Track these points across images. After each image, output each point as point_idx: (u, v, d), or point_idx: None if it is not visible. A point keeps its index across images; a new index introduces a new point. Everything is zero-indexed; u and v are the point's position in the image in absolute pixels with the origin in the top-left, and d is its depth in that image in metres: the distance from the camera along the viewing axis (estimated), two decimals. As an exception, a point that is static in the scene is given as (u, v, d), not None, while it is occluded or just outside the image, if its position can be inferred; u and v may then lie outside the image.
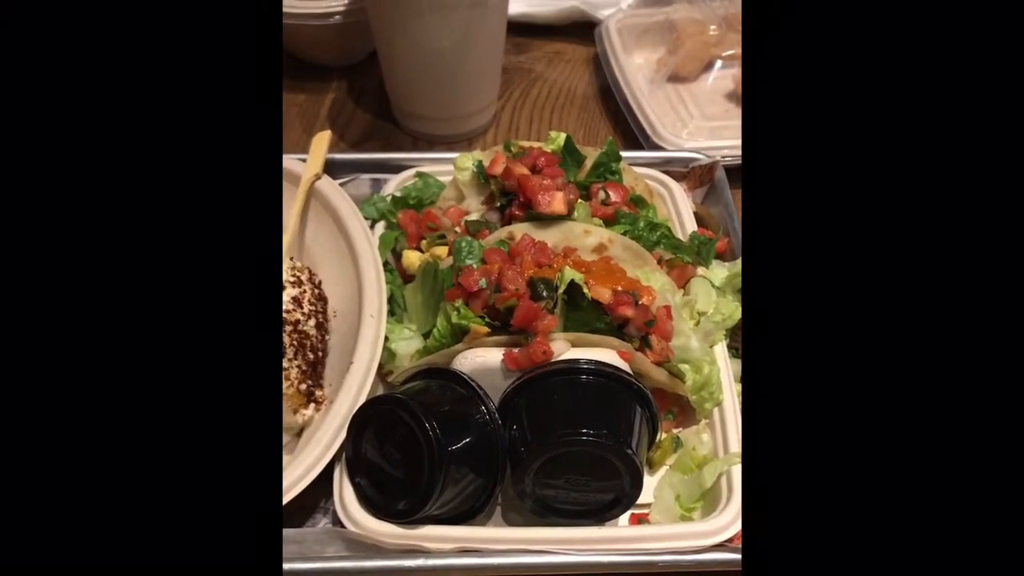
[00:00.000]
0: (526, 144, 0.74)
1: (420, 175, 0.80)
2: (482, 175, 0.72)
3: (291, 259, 0.69)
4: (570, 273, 0.59)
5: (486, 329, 0.60)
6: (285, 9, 0.93)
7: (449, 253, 0.68)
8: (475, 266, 0.62)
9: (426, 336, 0.67)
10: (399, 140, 0.95)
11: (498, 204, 0.68)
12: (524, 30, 1.09)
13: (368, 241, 0.71)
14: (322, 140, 0.80)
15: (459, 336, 0.62)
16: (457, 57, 0.85)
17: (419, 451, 0.56)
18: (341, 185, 0.82)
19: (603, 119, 0.98)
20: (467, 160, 0.74)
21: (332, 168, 0.82)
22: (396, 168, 0.84)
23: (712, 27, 0.99)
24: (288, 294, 0.65)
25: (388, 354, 0.66)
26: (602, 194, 0.70)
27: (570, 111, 1.00)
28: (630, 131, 0.92)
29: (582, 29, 1.09)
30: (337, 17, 0.94)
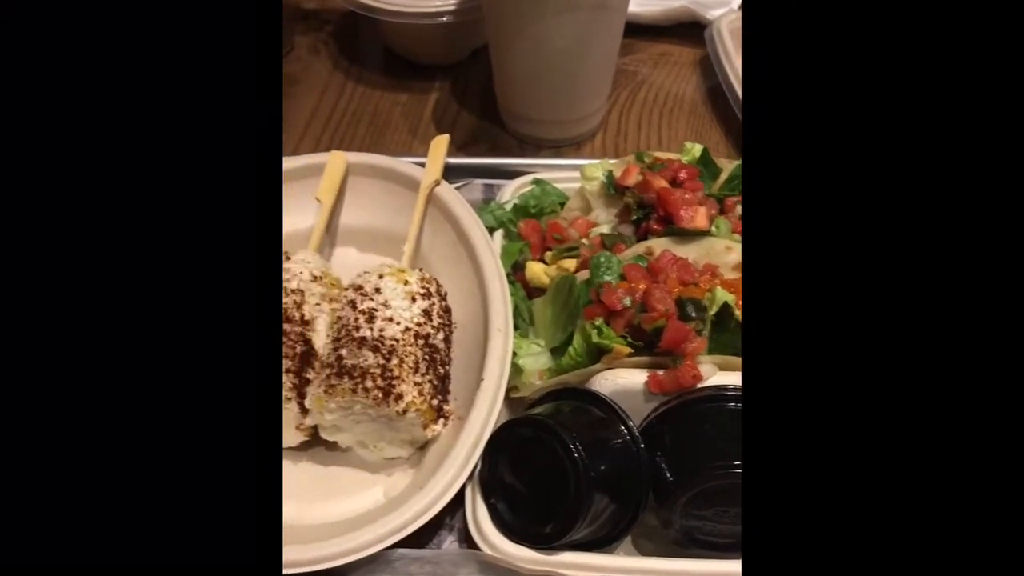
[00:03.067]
0: (660, 155, 0.71)
1: (538, 182, 0.78)
2: (612, 186, 0.69)
3: (420, 269, 0.68)
4: (722, 295, 0.56)
5: (628, 349, 0.58)
6: (392, 7, 0.92)
7: (578, 267, 0.66)
8: (614, 282, 0.60)
9: (554, 352, 0.65)
10: (505, 142, 0.92)
11: (634, 217, 0.66)
12: (629, 30, 1.05)
13: (491, 252, 0.69)
14: (441, 144, 0.78)
15: (597, 356, 0.60)
16: (574, 61, 0.82)
17: (563, 475, 0.54)
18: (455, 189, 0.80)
19: (714, 124, 0.95)
20: (596, 170, 0.71)
21: (445, 171, 0.80)
22: (510, 174, 0.83)
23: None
24: (418, 306, 0.63)
25: (515, 369, 0.64)
26: (739, 208, 0.67)
27: (679, 115, 0.96)
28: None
29: (688, 30, 1.05)
30: (447, 17, 0.92)
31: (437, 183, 0.75)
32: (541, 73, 0.84)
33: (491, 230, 0.74)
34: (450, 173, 0.81)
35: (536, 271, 0.69)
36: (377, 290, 0.63)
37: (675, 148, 0.91)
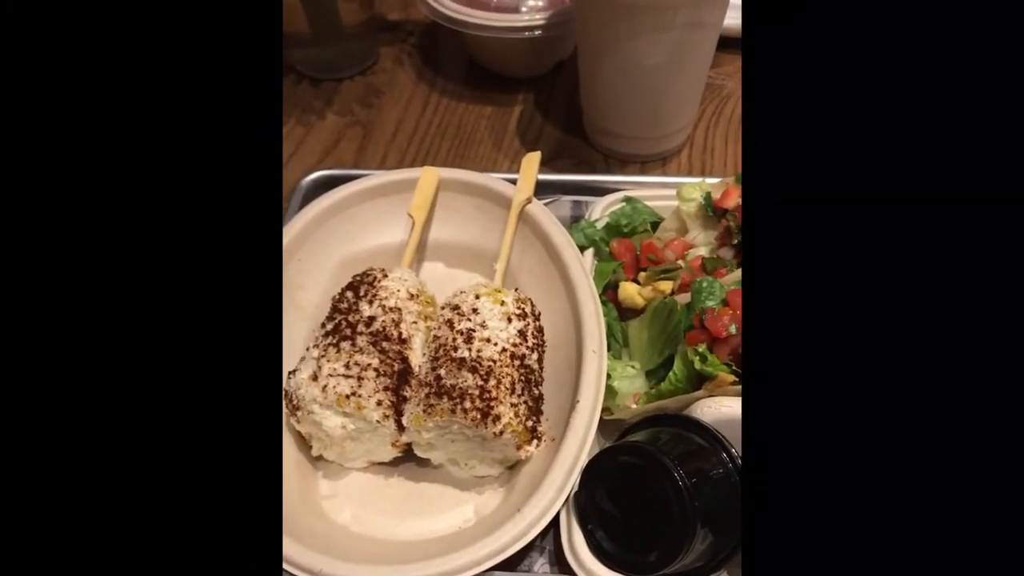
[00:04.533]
0: None
1: (628, 200, 0.77)
2: (710, 207, 0.68)
3: (515, 289, 0.67)
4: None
5: (732, 378, 0.57)
6: (480, 21, 0.92)
7: (675, 289, 0.65)
8: (717, 308, 0.59)
9: (649, 375, 0.64)
10: (589, 156, 0.92)
11: (735, 241, 0.64)
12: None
13: (584, 271, 0.69)
14: (532, 162, 0.78)
15: (698, 382, 0.59)
16: (665, 79, 0.81)
17: (666, 504, 0.53)
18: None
19: (805, 141, 0.93)
20: (694, 191, 0.70)
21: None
22: (598, 191, 0.82)
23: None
24: (514, 327, 0.63)
25: (609, 392, 0.63)
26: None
27: (768, 131, 0.94)
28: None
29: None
30: (534, 31, 0.92)
31: (529, 201, 0.75)
32: (630, 90, 0.83)
33: (582, 248, 0.74)
34: (537, 189, 0.81)
35: (630, 292, 0.68)
36: (474, 310, 0.63)
37: (764, 165, 0.90)
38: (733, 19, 1.02)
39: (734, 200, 0.66)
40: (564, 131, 0.95)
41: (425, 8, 0.96)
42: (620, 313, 0.69)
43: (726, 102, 0.99)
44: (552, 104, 0.99)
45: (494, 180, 0.78)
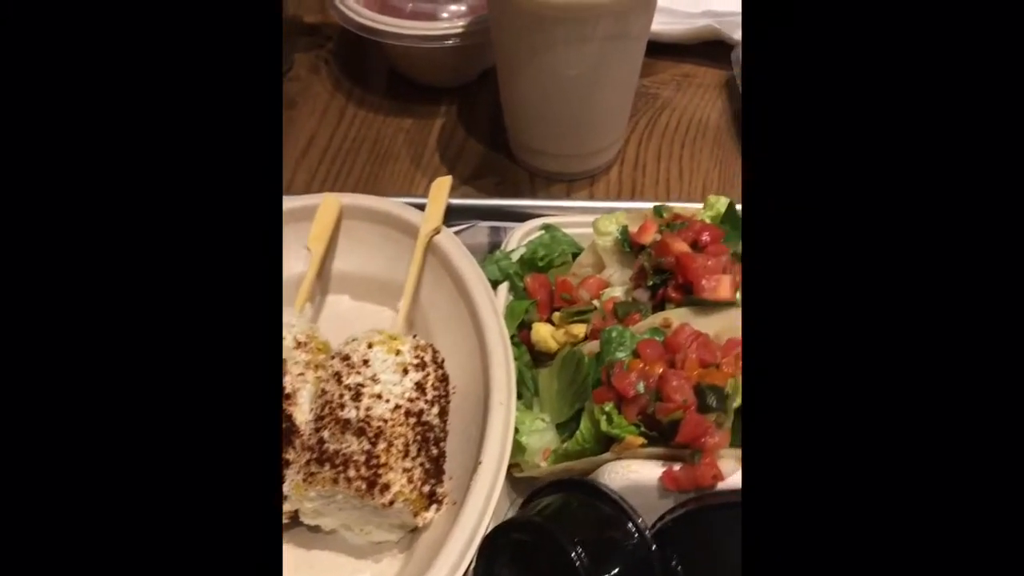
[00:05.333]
0: (678, 209, 0.64)
1: (547, 228, 0.72)
2: (627, 243, 0.63)
3: (414, 336, 0.62)
4: (748, 384, 0.50)
5: (641, 440, 0.52)
6: (395, 29, 0.86)
7: (588, 333, 0.60)
8: (627, 360, 0.54)
9: (560, 427, 0.59)
10: (514, 175, 0.86)
11: (650, 283, 0.59)
12: (650, 49, 0.98)
13: (494, 311, 0.63)
14: (442, 187, 0.72)
15: (607, 443, 0.54)
16: (588, 94, 0.76)
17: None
18: (456, 233, 0.75)
19: (738, 156, 0.88)
20: (609, 223, 0.65)
21: (447, 214, 0.75)
22: (518, 215, 0.76)
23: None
24: (411, 379, 0.58)
25: (517, 447, 0.58)
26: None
27: (702, 145, 0.90)
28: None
29: (713, 49, 0.98)
30: (453, 40, 0.86)
31: (437, 231, 0.69)
32: (550, 106, 0.77)
33: (495, 283, 0.68)
34: (453, 214, 0.75)
35: (543, 335, 0.63)
36: (365, 362, 0.57)
37: (697, 182, 0.85)
38: (666, 24, 0.98)
39: (651, 235, 0.61)
40: (488, 146, 0.89)
41: (337, 15, 0.89)
42: (533, 356, 0.64)
43: (660, 113, 0.93)
44: (476, 116, 0.93)
45: (402, 207, 0.72)
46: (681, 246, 0.58)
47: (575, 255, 0.70)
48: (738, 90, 0.90)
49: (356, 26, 0.87)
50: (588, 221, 0.71)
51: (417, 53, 0.89)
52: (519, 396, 0.60)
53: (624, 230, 0.64)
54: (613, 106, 0.80)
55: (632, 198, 0.84)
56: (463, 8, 0.89)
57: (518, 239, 0.72)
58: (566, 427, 0.59)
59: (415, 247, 0.69)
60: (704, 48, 0.99)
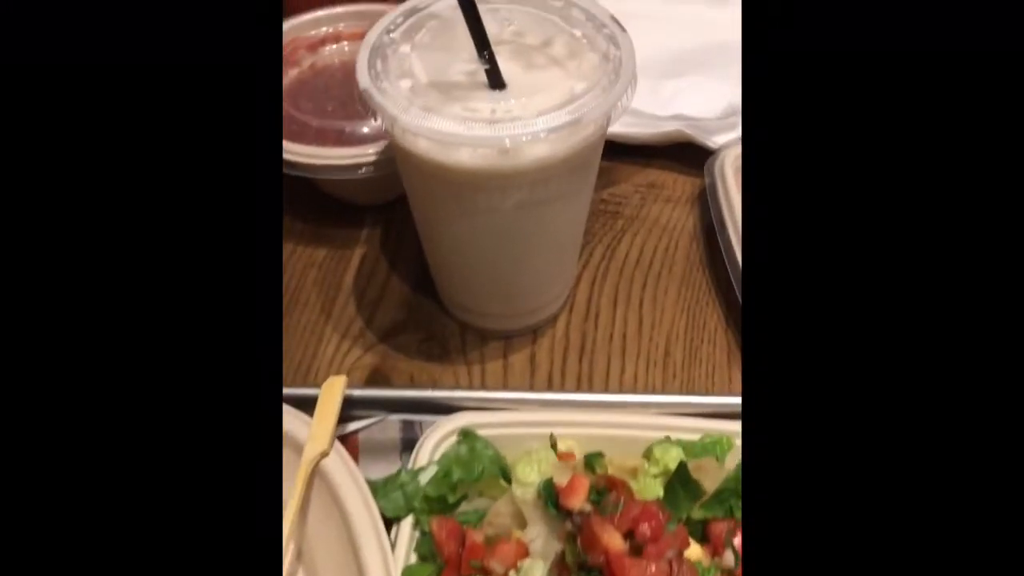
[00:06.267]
0: (616, 473, 0.51)
1: (466, 436, 0.58)
2: (552, 502, 0.50)
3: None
4: None
5: None
6: (304, 160, 0.71)
7: (500, 630, 0.47)
8: None
9: None
10: (442, 328, 0.72)
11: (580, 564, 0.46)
12: (613, 151, 0.85)
13: (387, 572, 0.51)
14: (334, 390, 0.59)
15: None
16: (519, 258, 0.62)
17: None
18: (362, 430, 0.62)
19: (713, 301, 0.74)
20: (530, 472, 0.52)
21: (351, 405, 0.61)
22: (435, 407, 0.63)
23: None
24: None
25: None
26: (734, 540, 0.47)
27: (668, 283, 0.76)
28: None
29: (684, 150, 0.84)
30: (366, 169, 0.71)
31: (324, 455, 0.56)
32: (476, 271, 0.64)
33: (397, 519, 0.55)
34: (360, 405, 0.62)
35: (446, 615, 0.50)
36: None
37: (659, 337, 0.72)
38: (631, 127, 0.84)
39: (579, 501, 0.48)
40: (413, 288, 0.76)
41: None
42: (437, 631, 0.51)
43: (620, 239, 0.79)
44: (401, 246, 0.79)
45: (290, 417, 0.59)
46: (613, 541, 0.45)
47: (505, 472, 0.57)
48: (710, 206, 0.76)
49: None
50: (523, 421, 0.60)
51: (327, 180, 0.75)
52: None
53: (548, 483, 0.50)
54: (551, 266, 0.66)
55: (580, 356, 0.71)
56: (367, 130, 0.74)
57: (432, 447, 0.59)
58: None
59: (297, 475, 0.56)
60: (673, 150, 0.85)
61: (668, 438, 0.59)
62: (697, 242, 0.79)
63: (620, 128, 0.82)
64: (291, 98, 0.78)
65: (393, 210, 0.81)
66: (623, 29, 0.57)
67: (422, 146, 0.53)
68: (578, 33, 0.58)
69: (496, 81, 0.56)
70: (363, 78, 0.55)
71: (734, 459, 0.58)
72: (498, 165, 0.53)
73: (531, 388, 0.68)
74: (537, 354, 0.71)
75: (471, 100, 0.54)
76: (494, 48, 0.56)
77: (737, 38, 0.94)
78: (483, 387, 0.68)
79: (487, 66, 0.55)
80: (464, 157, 0.52)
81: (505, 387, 0.68)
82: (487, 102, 0.54)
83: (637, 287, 0.76)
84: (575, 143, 0.54)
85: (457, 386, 0.68)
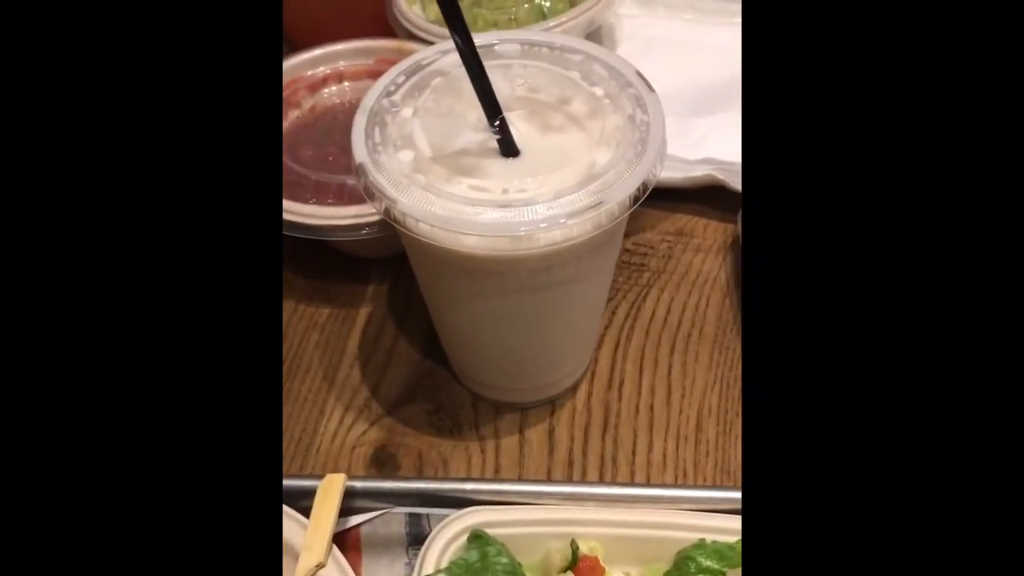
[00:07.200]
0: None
1: (478, 539, 0.53)
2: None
3: None
4: None
5: None
6: (303, 220, 0.66)
7: None
8: None
9: None
10: (452, 398, 0.67)
11: None
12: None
13: None
14: (333, 489, 0.54)
15: None
16: (529, 340, 0.56)
17: None
18: (365, 523, 0.57)
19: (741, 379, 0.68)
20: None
21: (353, 496, 0.56)
22: (444, 500, 0.57)
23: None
24: None
25: None
26: None
27: (700, 346, 0.69)
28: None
29: (716, 194, 0.77)
30: (370, 229, 0.66)
31: (321, 566, 0.51)
32: (489, 348, 0.58)
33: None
34: (363, 497, 0.57)
35: None
36: None
37: (690, 409, 0.66)
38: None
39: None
40: (423, 351, 0.70)
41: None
42: None
43: (645, 295, 0.73)
44: (410, 304, 0.73)
45: (285, 508, 0.54)
46: None
47: (515, 579, 0.52)
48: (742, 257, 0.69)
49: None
50: (541, 520, 0.54)
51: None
52: None
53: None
54: (570, 342, 0.60)
55: (604, 432, 0.65)
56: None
57: (438, 552, 0.53)
58: None
59: (292, 588, 0.51)
60: (704, 193, 0.78)
61: (704, 541, 0.53)
62: (731, 297, 0.72)
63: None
64: (290, 145, 0.73)
65: (402, 263, 0.75)
66: (651, 88, 0.51)
67: (423, 230, 0.47)
68: (599, 92, 0.51)
69: (509, 149, 0.50)
70: (359, 150, 0.49)
71: (776, 566, 0.52)
72: (510, 251, 0.47)
73: (549, 470, 0.63)
74: (556, 429, 0.65)
75: (481, 173, 0.48)
76: (506, 107, 0.50)
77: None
78: (497, 468, 0.63)
79: (498, 135, 0.49)
80: (472, 242, 0.47)
81: (521, 468, 0.63)
82: (498, 178, 0.48)
83: (665, 351, 0.69)
84: (600, 225, 0.47)
85: (469, 466, 0.63)
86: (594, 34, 0.87)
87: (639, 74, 0.52)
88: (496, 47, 0.53)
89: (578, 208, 0.45)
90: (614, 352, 0.69)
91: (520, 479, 0.61)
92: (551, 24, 0.72)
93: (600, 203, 0.45)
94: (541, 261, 0.49)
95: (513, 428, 0.65)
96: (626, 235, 0.77)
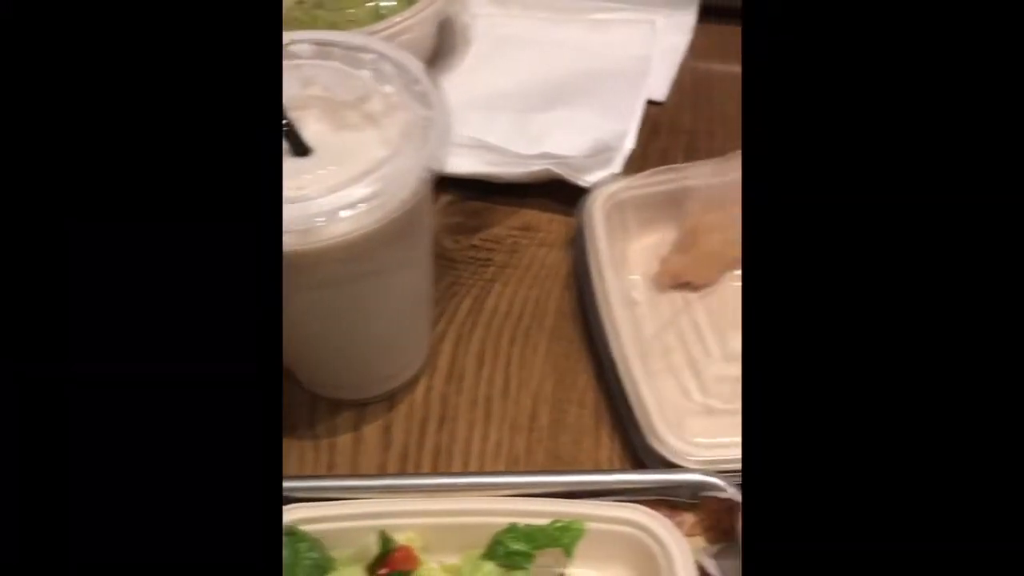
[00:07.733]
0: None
1: (290, 535, 0.53)
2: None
3: None
4: None
5: None
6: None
7: None
8: None
9: None
10: (290, 397, 0.67)
11: None
12: (485, 190, 0.80)
13: None
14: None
15: None
16: (356, 336, 0.57)
17: None
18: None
19: (584, 356, 0.69)
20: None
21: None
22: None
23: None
24: None
25: None
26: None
27: (539, 338, 0.71)
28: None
29: (563, 187, 0.79)
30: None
31: None
32: (311, 347, 0.59)
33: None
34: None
35: None
36: None
37: (525, 398, 0.67)
38: (498, 167, 0.79)
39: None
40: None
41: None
42: None
43: (488, 290, 0.74)
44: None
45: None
46: None
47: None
48: (584, 248, 0.71)
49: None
50: (368, 513, 0.55)
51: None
52: None
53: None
54: (396, 335, 0.61)
55: (440, 425, 0.66)
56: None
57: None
58: None
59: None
60: (550, 187, 0.80)
61: (515, 524, 0.54)
62: (570, 290, 0.74)
63: (485, 168, 0.77)
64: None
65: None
66: (435, 85, 0.52)
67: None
68: (389, 90, 0.52)
69: (299, 148, 0.50)
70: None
71: (586, 546, 0.53)
72: (303, 245, 0.48)
73: (384, 466, 0.63)
74: (393, 425, 0.66)
75: (269, 171, 0.49)
76: (299, 107, 0.51)
77: (612, 66, 0.90)
78: (331, 466, 0.63)
79: (285, 130, 0.50)
80: (258, 238, 0.47)
81: (355, 465, 0.63)
82: (288, 177, 0.48)
83: (505, 343, 0.71)
84: (384, 215, 0.48)
85: (301, 466, 0.63)
86: (447, 33, 0.88)
87: (426, 71, 0.53)
88: (290, 47, 0.54)
89: (353, 200, 0.46)
90: (455, 347, 0.70)
91: (342, 475, 0.62)
92: (382, 25, 0.73)
93: (377, 193, 0.46)
94: (342, 252, 0.49)
95: (349, 426, 0.66)
96: (474, 230, 0.79)
